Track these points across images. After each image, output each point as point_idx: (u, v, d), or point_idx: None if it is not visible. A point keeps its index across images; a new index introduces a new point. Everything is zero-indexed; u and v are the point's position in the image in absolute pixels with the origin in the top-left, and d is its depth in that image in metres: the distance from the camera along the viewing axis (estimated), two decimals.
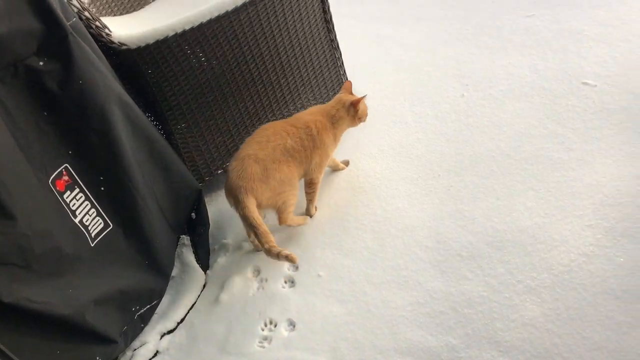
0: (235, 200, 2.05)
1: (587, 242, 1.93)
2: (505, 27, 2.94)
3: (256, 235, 2.03)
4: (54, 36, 1.64)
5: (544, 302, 1.82)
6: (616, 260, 1.85)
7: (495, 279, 1.92)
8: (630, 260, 1.84)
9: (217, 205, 2.51)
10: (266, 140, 2.10)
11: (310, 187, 2.26)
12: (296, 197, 2.19)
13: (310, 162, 2.18)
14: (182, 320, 2.13)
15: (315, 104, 2.53)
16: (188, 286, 2.20)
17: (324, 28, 2.42)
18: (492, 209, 2.12)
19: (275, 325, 2.02)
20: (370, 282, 2.04)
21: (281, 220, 2.19)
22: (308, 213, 2.32)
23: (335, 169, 2.46)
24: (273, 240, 2.01)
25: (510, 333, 1.77)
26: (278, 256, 1.98)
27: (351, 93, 2.30)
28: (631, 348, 1.64)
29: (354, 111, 2.21)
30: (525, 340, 1.74)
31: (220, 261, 2.29)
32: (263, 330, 2.02)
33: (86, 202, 1.83)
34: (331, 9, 2.42)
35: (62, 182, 1.75)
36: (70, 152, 1.78)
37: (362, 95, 2.23)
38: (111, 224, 1.91)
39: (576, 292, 1.81)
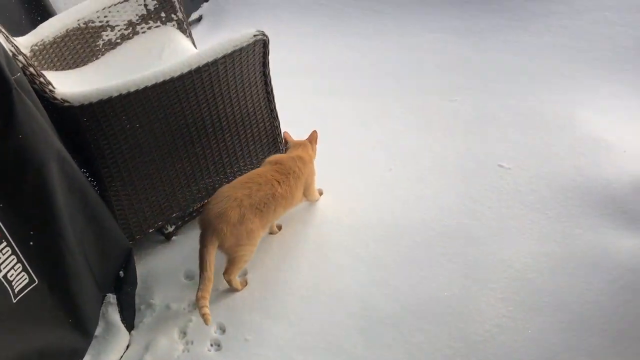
0: (202, 233, 2.16)
1: (500, 313, 2.08)
2: (431, 109, 3.18)
3: (200, 276, 2.10)
4: None
5: None
6: (525, 332, 2.00)
7: (415, 346, 2.01)
8: (538, 332, 2.00)
9: (146, 265, 2.49)
10: (257, 189, 2.22)
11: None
12: (252, 255, 2.28)
13: (298, 195, 2.42)
14: None
15: (252, 169, 2.60)
16: (111, 346, 2.15)
17: (264, 98, 2.54)
18: (415, 278, 2.25)
19: None
20: (297, 347, 2.08)
21: (227, 272, 2.26)
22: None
23: (269, 232, 2.52)
24: (209, 292, 2.08)
25: None
26: (199, 308, 2.05)
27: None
28: None
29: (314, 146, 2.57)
30: None
31: (146, 321, 2.26)
32: None
33: (12, 257, 1.79)
34: (273, 80, 2.56)
35: None
36: (1, 206, 1.76)
37: (313, 130, 2.58)
38: (36, 280, 1.87)
39: None
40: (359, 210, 2.58)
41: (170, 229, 2.57)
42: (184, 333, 2.21)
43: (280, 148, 2.74)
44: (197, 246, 2.33)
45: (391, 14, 4.01)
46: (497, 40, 3.66)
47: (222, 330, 2.20)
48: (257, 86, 2.47)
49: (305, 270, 2.36)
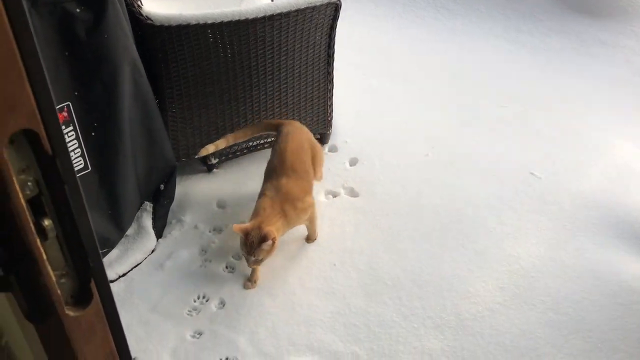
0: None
1: (495, 300, 2.19)
2: (480, 110, 3.28)
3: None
4: None
5: (445, 339, 2.06)
6: (514, 321, 2.12)
7: (409, 310, 2.16)
8: (526, 323, 2.11)
9: (185, 187, 2.71)
10: None
11: None
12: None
13: None
14: (124, 274, 2.29)
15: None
16: (139, 247, 2.37)
17: (324, 60, 2.71)
18: (424, 253, 2.38)
19: (207, 300, 2.21)
20: (302, 285, 2.25)
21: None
22: None
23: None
24: (215, 145, 2.44)
25: (409, 357, 2.00)
26: None
27: None
28: None
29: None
30: None
31: (173, 234, 2.48)
32: (195, 301, 2.21)
33: (75, 141, 2.02)
34: (336, 52, 2.73)
35: (61, 115, 1.95)
36: (76, 94, 1.99)
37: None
38: (90, 167, 2.10)
39: (474, 337, 2.06)
40: (387, 183, 2.73)
41: (214, 161, 2.77)
42: (204, 251, 2.41)
43: (329, 112, 2.90)
44: (235, 183, 2.57)
45: (462, 15, 4.12)
46: (560, 61, 3.73)
47: (239, 257, 2.39)
48: (320, 47, 2.65)
49: (325, 223, 2.52)
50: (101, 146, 2.12)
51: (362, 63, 3.65)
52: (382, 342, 2.05)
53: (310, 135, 2.55)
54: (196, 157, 2.48)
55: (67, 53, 1.92)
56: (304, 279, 2.28)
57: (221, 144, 2.46)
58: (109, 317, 0.64)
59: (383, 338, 2.06)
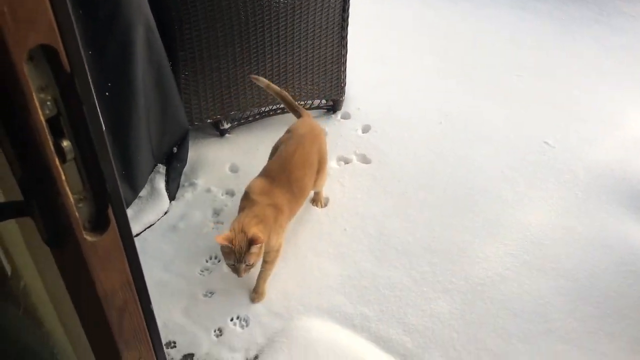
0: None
1: (505, 266, 2.20)
2: (495, 79, 3.25)
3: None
4: None
5: (454, 302, 2.07)
6: (524, 286, 2.12)
7: (419, 274, 2.17)
8: (536, 289, 2.11)
9: (197, 151, 2.72)
10: None
11: None
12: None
13: None
14: (137, 234, 2.32)
15: (312, 90, 2.79)
16: (152, 208, 2.40)
17: (339, 24, 2.69)
18: (435, 219, 2.39)
19: (219, 261, 2.23)
20: (313, 249, 2.27)
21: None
22: None
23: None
24: (274, 86, 2.39)
25: (418, 319, 2.02)
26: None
27: None
28: (514, 357, 1.91)
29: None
30: (429, 328, 1.99)
31: (186, 196, 2.50)
32: (207, 262, 2.24)
33: None
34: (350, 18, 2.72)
35: None
36: (90, 53, 1.98)
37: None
38: (103, 127, 2.11)
39: (483, 302, 2.07)
40: (399, 150, 2.72)
41: (226, 125, 2.78)
42: (217, 214, 2.43)
43: (342, 78, 2.89)
44: (247, 147, 2.56)
45: None
46: (578, 30, 3.67)
47: None
48: (335, 10, 2.63)
49: (336, 189, 2.53)
50: (115, 106, 2.12)
51: (376, 30, 3.63)
52: (391, 304, 2.07)
53: (323, 139, 2.37)
54: (250, 77, 2.43)
55: (80, 11, 1.91)
56: (315, 243, 2.29)
57: (273, 88, 2.38)
58: (125, 245, 0.65)
59: (392, 300, 2.08)
